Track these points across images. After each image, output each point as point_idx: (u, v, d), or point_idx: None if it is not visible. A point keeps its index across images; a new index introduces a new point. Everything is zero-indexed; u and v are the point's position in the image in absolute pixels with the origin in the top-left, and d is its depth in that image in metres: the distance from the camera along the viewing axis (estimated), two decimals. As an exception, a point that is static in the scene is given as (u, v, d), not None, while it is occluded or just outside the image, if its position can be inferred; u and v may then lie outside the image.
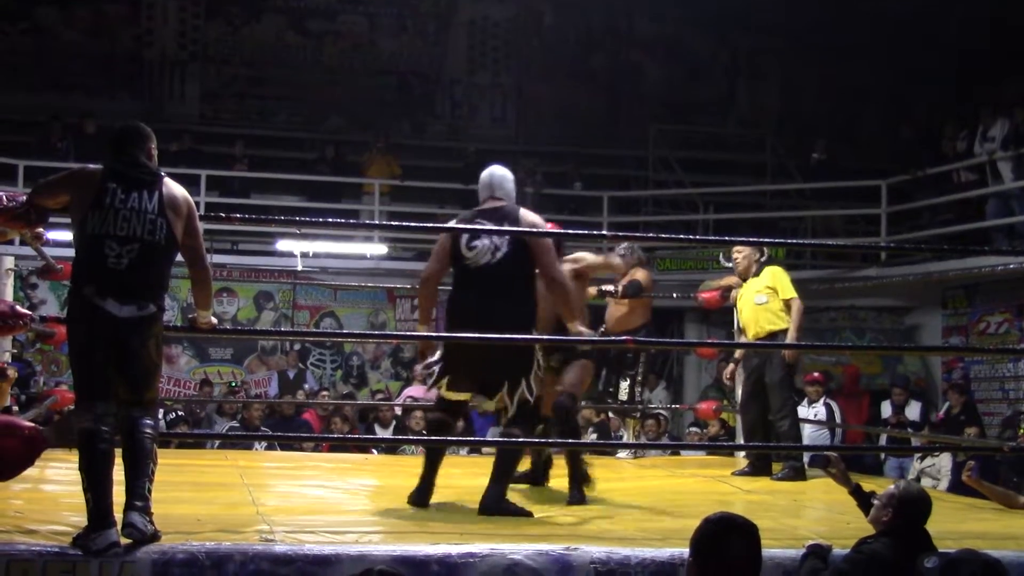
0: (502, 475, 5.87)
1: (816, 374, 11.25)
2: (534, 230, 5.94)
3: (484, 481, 5.90)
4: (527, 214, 6.02)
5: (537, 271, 5.91)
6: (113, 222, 4.62)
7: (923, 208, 14.19)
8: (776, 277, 8.09)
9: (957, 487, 9.32)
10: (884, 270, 13.75)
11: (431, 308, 6.29)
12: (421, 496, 5.93)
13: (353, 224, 14.72)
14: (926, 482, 10.41)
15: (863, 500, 5.20)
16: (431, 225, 12.98)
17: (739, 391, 9.48)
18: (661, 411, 12.20)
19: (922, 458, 10.80)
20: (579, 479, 6.47)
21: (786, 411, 8.10)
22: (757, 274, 8.16)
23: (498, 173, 6.19)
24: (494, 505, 5.73)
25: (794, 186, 16.40)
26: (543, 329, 6.13)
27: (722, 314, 10.83)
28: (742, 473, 7.98)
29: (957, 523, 6.02)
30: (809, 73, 18.48)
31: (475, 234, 5.91)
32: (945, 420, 11.34)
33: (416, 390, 13.49)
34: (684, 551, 3.58)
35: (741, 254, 8.26)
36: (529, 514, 5.76)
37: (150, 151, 4.84)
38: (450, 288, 6.12)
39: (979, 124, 13.20)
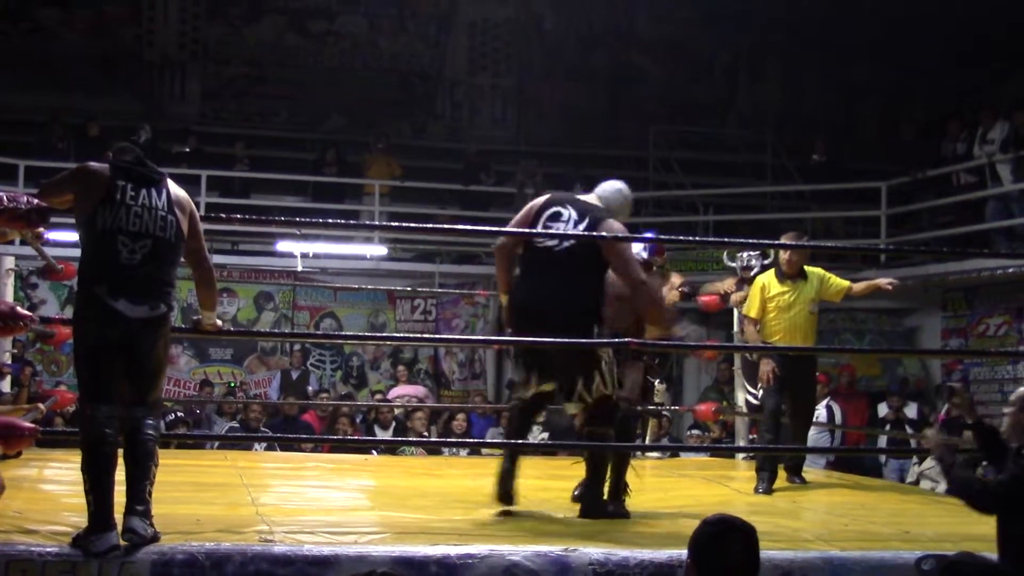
0: (595, 478, 5.83)
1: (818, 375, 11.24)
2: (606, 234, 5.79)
3: (483, 482, 5.88)
4: (610, 222, 5.81)
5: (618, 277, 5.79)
6: (125, 218, 4.62)
7: (923, 210, 14.21)
8: (825, 285, 7.84)
9: (956, 489, 9.32)
10: (884, 272, 13.76)
11: (507, 277, 6.00)
12: (505, 492, 5.71)
13: (353, 225, 14.70)
14: (925, 484, 10.42)
15: (985, 434, 5.08)
16: (431, 226, 13.05)
17: (740, 394, 9.50)
18: (665, 412, 12.24)
19: (920, 460, 10.80)
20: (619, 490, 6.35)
21: (811, 420, 8.18)
22: (804, 277, 7.81)
23: (611, 186, 6.17)
24: (594, 509, 5.74)
25: (794, 187, 16.40)
26: (617, 330, 6.05)
27: (722, 316, 10.81)
28: (766, 491, 7.38)
29: (957, 526, 6.03)
30: (810, 74, 18.49)
31: (556, 217, 5.81)
32: (944, 422, 11.34)
33: (405, 389, 13.55)
34: (682, 553, 3.58)
35: (791, 253, 7.77)
36: (627, 515, 5.84)
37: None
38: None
39: (979, 126, 13.22)
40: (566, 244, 5.70)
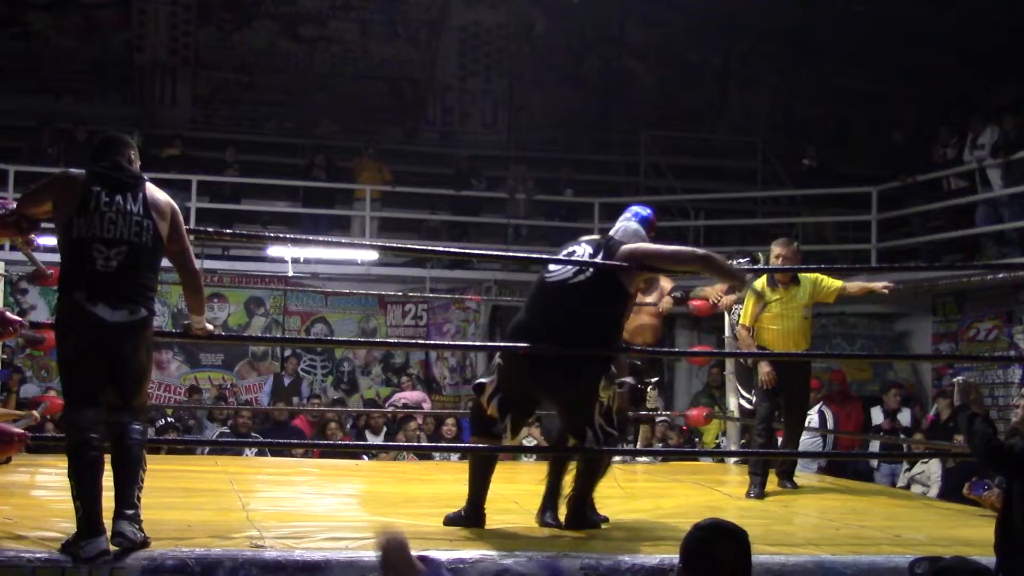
0: (584, 489, 5.65)
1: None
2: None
3: (464, 488, 5.82)
4: (625, 247, 5.60)
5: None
6: (99, 225, 4.61)
7: (913, 215, 14.23)
8: (818, 288, 7.83)
9: (947, 494, 9.34)
10: (874, 277, 13.78)
11: None
12: (475, 517, 5.54)
13: (345, 243, 14.56)
14: (916, 489, 10.43)
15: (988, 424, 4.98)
16: (418, 247, 13.02)
17: (732, 399, 9.49)
18: (663, 418, 12.29)
19: (910, 466, 10.81)
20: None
21: (803, 425, 8.18)
22: (797, 282, 7.78)
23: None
24: (580, 519, 5.60)
25: (785, 192, 16.43)
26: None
27: (713, 320, 10.83)
28: (758, 496, 7.39)
29: (948, 529, 6.04)
30: (800, 79, 18.51)
31: (570, 254, 5.63)
32: (934, 426, 11.36)
33: (407, 395, 13.52)
34: (674, 557, 3.58)
35: (782, 261, 7.72)
36: (605, 519, 5.78)
37: (129, 157, 4.84)
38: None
39: (969, 131, 13.26)
40: (579, 277, 5.48)
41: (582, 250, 5.63)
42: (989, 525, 6.18)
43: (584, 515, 5.64)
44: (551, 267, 5.62)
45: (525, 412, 5.72)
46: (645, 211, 6.06)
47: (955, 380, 5.26)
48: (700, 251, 5.82)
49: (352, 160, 16.30)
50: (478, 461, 5.66)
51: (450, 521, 5.49)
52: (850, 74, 17.92)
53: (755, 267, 8.06)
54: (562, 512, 5.64)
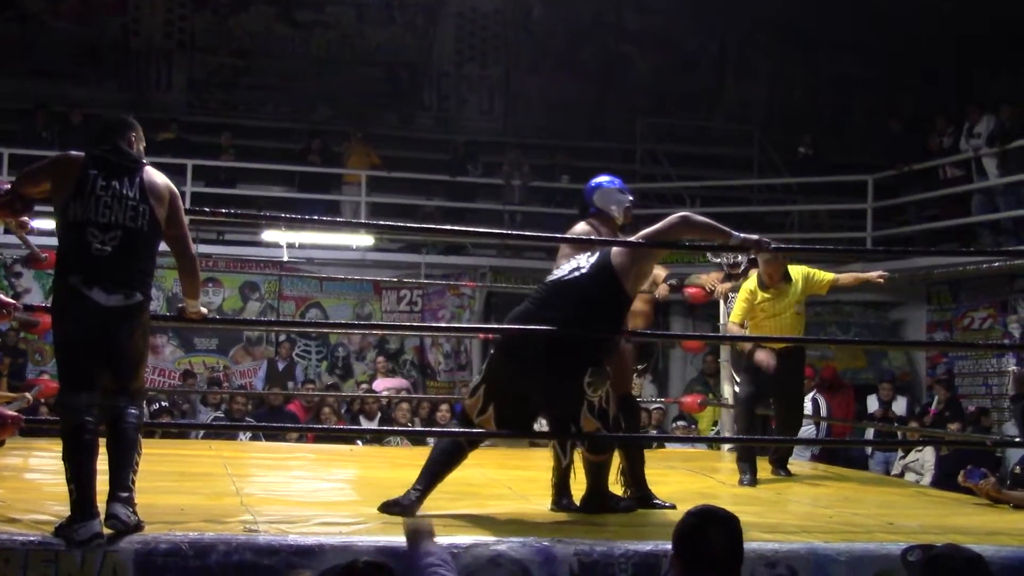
0: (596, 485, 5.65)
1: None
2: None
3: (469, 472, 5.85)
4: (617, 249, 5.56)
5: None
6: (95, 209, 4.59)
7: (909, 203, 14.25)
8: (810, 282, 7.78)
9: (941, 482, 9.37)
10: (869, 266, 13.78)
11: None
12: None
13: (340, 223, 14.58)
14: (910, 477, 10.46)
15: None
16: (413, 225, 12.99)
17: (727, 387, 9.48)
18: (658, 405, 12.32)
19: (904, 454, 10.83)
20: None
21: (800, 416, 8.20)
22: (788, 279, 7.69)
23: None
24: (597, 504, 5.61)
25: (781, 180, 16.44)
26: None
27: (708, 307, 10.81)
28: (751, 483, 7.35)
29: (941, 517, 6.05)
30: (797, 67, 18.51)
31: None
32: (936, 419, 11.39)
33: (387, 382, 13.52)
34: (666, 543, 3.59)
35: (773, 264, 7.60)
36: (635, 507, 5.80)
37: (131, 140, 4.82)
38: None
39: (965, 120, 13.27)
40: (576, 273, 5.47)
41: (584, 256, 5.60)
42: (983, 513, 6.22)
43: (600, 501, 5.64)
44: (555, 270, 5.66)
45: (514, 407, 5.50)
46: (606, 177, 6.14)
47: (1011, 369, 5.26)
48: (678, 214, 5.68)
49: (342, 145, 16.30)
50: (442, 454, 5.43)
51: (388, 507, 5.19)
52: (847, 63, 17.92)
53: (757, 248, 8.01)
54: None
